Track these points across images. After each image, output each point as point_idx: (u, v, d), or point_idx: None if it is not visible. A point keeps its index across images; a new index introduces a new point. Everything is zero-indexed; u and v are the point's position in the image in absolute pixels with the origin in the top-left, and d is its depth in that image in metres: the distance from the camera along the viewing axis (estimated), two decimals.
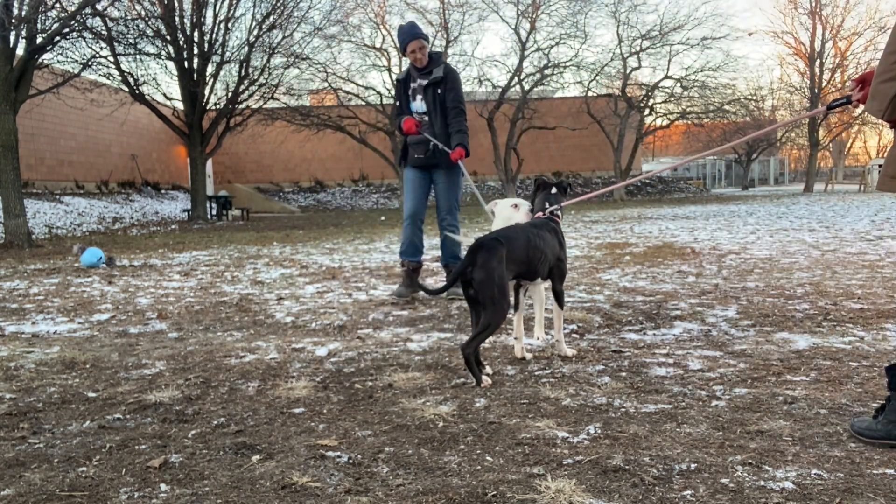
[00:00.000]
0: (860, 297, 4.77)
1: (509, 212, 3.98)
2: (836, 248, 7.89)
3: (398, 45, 5.34)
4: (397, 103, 5.40)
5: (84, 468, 2.19)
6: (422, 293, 5.31)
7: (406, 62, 5.44)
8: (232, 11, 19.96)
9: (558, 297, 3.46)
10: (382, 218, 19.43)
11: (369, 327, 4.32)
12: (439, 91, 5.21)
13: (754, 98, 33.81)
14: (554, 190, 3.69)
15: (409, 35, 5.20)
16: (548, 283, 3.52)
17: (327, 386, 3.03)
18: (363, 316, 4.70)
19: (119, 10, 14.78)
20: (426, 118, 5.28)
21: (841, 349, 3.41)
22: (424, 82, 5.24)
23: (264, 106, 23.46)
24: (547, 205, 3.59)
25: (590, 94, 28.28)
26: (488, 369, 3.17)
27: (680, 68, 36.60)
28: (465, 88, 28.24)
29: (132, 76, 18.04)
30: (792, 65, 38.76)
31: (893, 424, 2.17)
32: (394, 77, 6.22)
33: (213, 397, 2.93)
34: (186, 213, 21.83)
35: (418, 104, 5.30)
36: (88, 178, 22.09)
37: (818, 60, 32.57)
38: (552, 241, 3.38)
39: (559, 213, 3.58)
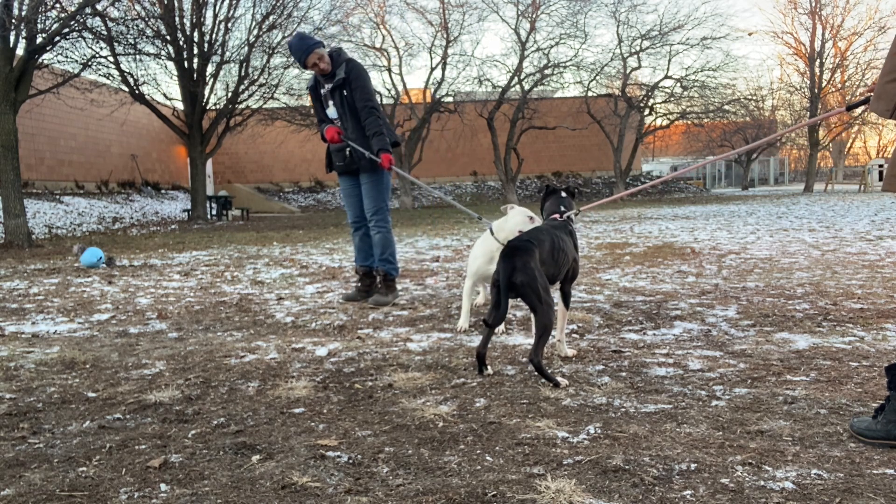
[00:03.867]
0: (860, 297, 4.77)
1: (521, 217, 3.95)
2: (836, 248, 7.88)
3: (296, 63, 5.04)
4: (313, 109, 5.21)
5: (84, 468, 2.19)
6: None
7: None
8: (232, 11, 19.97)
9: (566, 298, 3.46)
10: None
11: (369, 327, 4.32)
12: (346, 93, 4.99)
13: (754, 98, 33.82)
14: (564, 194, 3.69)
15: (303, 50, 4.90)
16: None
17: (327, 386, 3.03)
18: (363, 316, 4.70)
19: (119, 10, 14.79)
20: (336, 122, 5.11)
21: (841, 349, 3.41)
22: (329, 86, 5.04)
23: (264, 106, 23.47)
24: (562, 208, 3.60)
25: (590, 94, 28.29)
26: (489, 369, 3.17)
27: (680, 68, 36.50)
28: (465, 88, 28.29)
29: (132, 76, 18.05)
30: (792, 65, 38.74)
31: (893, 424, 2.17)
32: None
33: (213, 397, 2.93)
34: (186, 213, 21.83)
35: (331, 110, 5.12)
36: (88, 178, 22.10)
37: (818, 60, 32.57)
38: (570, 242, 3.40)
39: (573, 216, 3.59)
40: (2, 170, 11.39)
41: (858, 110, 2.69)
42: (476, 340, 3.77)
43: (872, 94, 2.48)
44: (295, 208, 30.31)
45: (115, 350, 3.87)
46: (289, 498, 1.95)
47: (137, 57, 16.73)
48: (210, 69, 20.16)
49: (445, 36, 25.97)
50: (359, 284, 5.37)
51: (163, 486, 2.04)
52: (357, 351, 3.67)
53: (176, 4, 18.83)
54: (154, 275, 7.37)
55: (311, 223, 18.36)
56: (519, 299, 3.04)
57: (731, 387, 2.85)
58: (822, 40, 32.75)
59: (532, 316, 3.07)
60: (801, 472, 2.01)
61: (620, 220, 14.66)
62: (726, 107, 28.98)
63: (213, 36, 19.84)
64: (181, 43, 19.14)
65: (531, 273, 2.95)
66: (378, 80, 27.35)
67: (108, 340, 4.14)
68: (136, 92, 18.50)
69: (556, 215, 3.54)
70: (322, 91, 5.13)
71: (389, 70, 26.45)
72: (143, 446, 2.37)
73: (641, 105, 28.68)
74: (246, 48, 20.39)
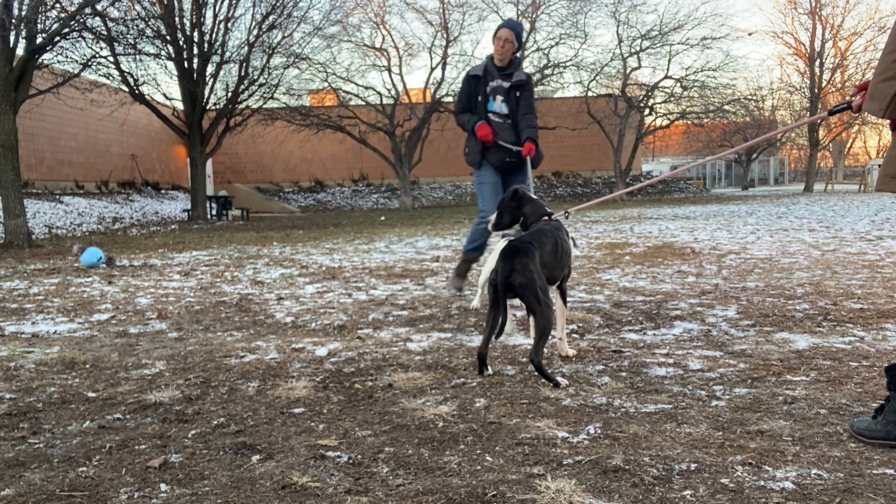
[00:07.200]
0: (860, 297, 4.77)
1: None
2: (836, 248, 7.88)
3: (500, 27, 5.09)
4: (477, 98, 5.09)
5: (84, 468, 2.19)
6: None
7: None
8: (232, 11, 19.98)
9: (563, 295, 3.49)
10: (382, 218, 19.43)
11: (369, 327, 4.32)
12: (518, 94, 5.04)
13: (754, 98, 33.83)
14: (535, 196, 3.73)
15: (507, 24, 5.06)
16: None
17: (327, 386, 3.03)
18: (363, 316, 4.70)
19: (119, 10, 14.79)
20: (506, 121, 5.07)
21: (841, 349, 3.41)
22: (506, 84, 5.04)
23: (264, 106, 23.47)
24: (547, 209, 3.63)
25: (590, 94, 28.29)
26: (489, 370, 3.17)
27: (680, 68, 36.60)
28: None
29: (132, 76, 18.05)
30: (792, 65, 38.84)
31: (893, 424, 2.17)
32: (467, 73, 5.80)
33: (213, 397, 2.93)
34: (186, 213, 21.83)
35: (499, 105, 5.09)
36: (88, 178, 22.09)
37: (818, 60, 32.58)
38: (569, 242, 3.45)
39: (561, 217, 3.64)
40: (2, 170, 11.39)
41: (857, 112, 2.59)
42: (476, 340, 3.77)
43: (865, 92, 2.48)
44: (295, 208, 30.30)
45: (115, 350, 3.87)
46: (289, 498, 1.95)
47: (137, 57, 16.73)
48: (210, 69, 20.17)
49: (445, 36, 25.99)
50: (459, 269, 5.45)
51: (163, 486, 2.04)
52: (357, 351, 3.67)
53: (176, 4, 18.82)
54: (154, 275, 7.37)
55: (311, 223, 18.36)
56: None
57: (731, 387, 2.85)
58: (822, 40, 32.77)
59: (531, 317, 3.08)
60: (801, 472, 2.01)
61: (620, 220, 14.66)
62: (726, 107, 28.97)
63: (213, 36, 19.85)
64: (181, 43, 19.14)
65: (529, 275, 2.95)
66: (378, 80, 27.42)
67: (108, 340, 4.14)
68: (136, 92, 18.49)
69: (545, 217, 3.56)
70: (491, 83, 5.10)
71: (389, 70, 26.46)
72: (143, 446, 2.37)
73: (641, 105, 28.67)
74: (246, 48, 20.40)
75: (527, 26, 25.82)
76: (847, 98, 2.66)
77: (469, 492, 1.94)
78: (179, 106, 21.05)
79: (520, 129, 5.05)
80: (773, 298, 4.85)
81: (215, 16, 19.76)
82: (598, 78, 28.05)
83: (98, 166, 22.78)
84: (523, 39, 5.07)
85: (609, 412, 2.58)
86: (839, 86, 33.36)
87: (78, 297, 5.89)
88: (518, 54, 5.16)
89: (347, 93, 26.82)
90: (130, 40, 15.27)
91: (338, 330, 4.27)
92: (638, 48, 27.55)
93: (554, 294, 3.52)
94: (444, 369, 3.25)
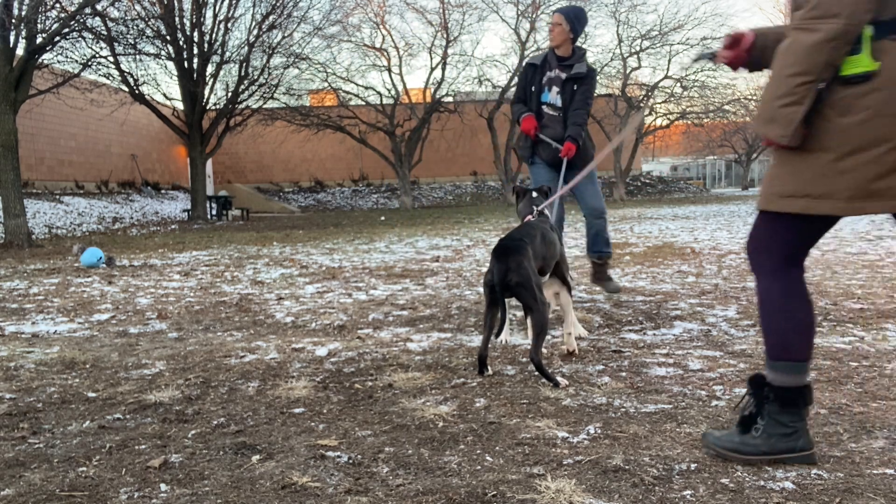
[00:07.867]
0: (860, 297, 4.76)
1: None
2: (836, 248, 7.88)
3: (556, 10, 4.92)
4: (531, 89, 4.86)
5: (84, 468, 2.19)
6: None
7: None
8: (232, 11, 20.01)
9: (567, 284, 3.59)
10: (382, 218, 19.43)
11: (369, 327, 4.32)
12: (576, 87, 4.80)
13: (754, 98, 33.82)
14: (535, 194, 3.85)
15: (559, 8, 4.87)
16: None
17: (327, 386, 3.03)
18: (363, 316, 4.70)
19: (119, 10, 14.81)
20: (560, 114, 4.83)
21: (841, 349, 3.40)
22: (564, 76, 4.81)
23: (264, 106, 23.48)
24: (534, 207, 3.71)
25: None
26: (489, 370, 3.17)
27: (680, 68, 36.57)
28: (465, 88, 28.33)
29: (132, 76, 18.07)
30: None
31: (778, 437, 2.06)
32: (524, 64, 5.41)
33: (213, 397, 2.93)
34: (186, 213, 21.83)
35: (553, 97, 4.84)
36: (88, 178, 22.09)
37: None
38: (553, 234, 3.52)
39: (546, 212, 3.77)
40: (2, 170, 11.40)
41: (718, 64, 2.38)
42: (476, 340, 3.78)
43: (731, 46, 2.23)
44: (295, 208, 30.31)
45: (115, 350, 3.87)
46: (289, 498, 1.95)
47: (137, 57, 16.76)
48: (210, 69, 20.21)
49: (445, 36, 26.00)
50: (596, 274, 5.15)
51: (163, 486, 2.04)
52: (357, 351, 3.67)
53: (176, 4, 18.85)
54: (154, 275, 7.37)
55: (311, 223, 18.36)
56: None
57: (731, 387, 2.85)
58: None
59: (529, 316, 3.09)
60: (801, 472, 2.01)
61: (620, 220, 14.66)
62: (726, 107, 29.00)
63: (213, 36, 19.87)
64: (181, 43, 19.16)
65: (525, 273, 2.97)
66: (378, 80, 27.51)
67: (108, 340, 4.14)
68: (136, 92, 18.52)
69: (530, 216, 3.62)
70: (549, 73, 4.86)
71: (389, 70, 26.47)
72: (143, 446, 2.37)
73: (641, 105, 28.68)
74: (246, 48, 20.42)
75: (527, 26, 25.85)
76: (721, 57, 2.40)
77: (469, 492, 1.94)
78: (179, 106, 21.07)
79: (570, 122, 4.77)
80: None
81: (215, 16, 19.80)
82: (597, 78, 28.05)
83: (98, 166, 22.79)
84: (580, 25, 4.77)
85: (609, 412, 2.58)
86: None
87: (78, 297, 5.90)
88: (578, 43, 4.90)
89: (347, 93, 26.85)
90: (130, 40, 15.30)
91: (338, 330, 4.27)
92: (638, 48, 27.58)
93: (558, 288, 3.58)
94: (444, 369, 3.25)
